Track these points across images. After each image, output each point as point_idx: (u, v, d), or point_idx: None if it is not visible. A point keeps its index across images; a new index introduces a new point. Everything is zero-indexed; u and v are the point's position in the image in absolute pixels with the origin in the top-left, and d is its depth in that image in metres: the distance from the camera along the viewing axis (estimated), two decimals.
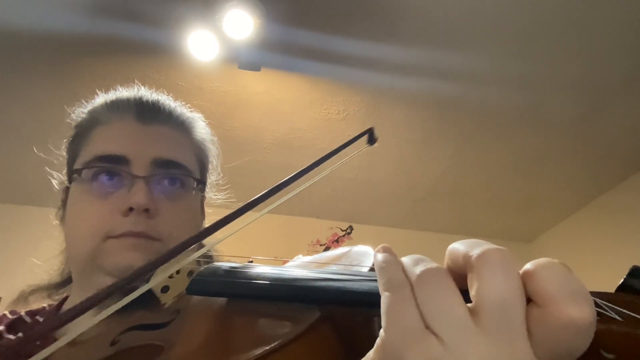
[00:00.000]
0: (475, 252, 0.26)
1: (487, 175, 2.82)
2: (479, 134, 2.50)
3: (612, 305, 0.27)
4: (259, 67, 2.09)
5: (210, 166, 0.71)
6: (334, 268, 0.43)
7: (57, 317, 0.29)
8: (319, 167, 0.46)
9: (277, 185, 0.40)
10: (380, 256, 0.30)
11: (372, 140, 0.51)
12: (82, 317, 0.29)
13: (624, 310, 0.26)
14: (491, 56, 2.04)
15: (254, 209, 0.39)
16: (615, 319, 0.26)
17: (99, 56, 2.07)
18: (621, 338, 0.26)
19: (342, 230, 3.30)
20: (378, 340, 0.27)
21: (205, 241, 0.50)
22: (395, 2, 1.82)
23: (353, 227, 3.32)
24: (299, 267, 0.45)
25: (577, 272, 0.31)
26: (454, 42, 1.98)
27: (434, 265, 0.28)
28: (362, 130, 0.50)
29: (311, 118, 2.43)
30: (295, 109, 2.37)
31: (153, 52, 2.04)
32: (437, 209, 3.16)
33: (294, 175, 0.42)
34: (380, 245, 0.31)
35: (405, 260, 0.29)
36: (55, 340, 0.28)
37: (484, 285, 0.25)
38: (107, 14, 1.86)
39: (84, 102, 0.69)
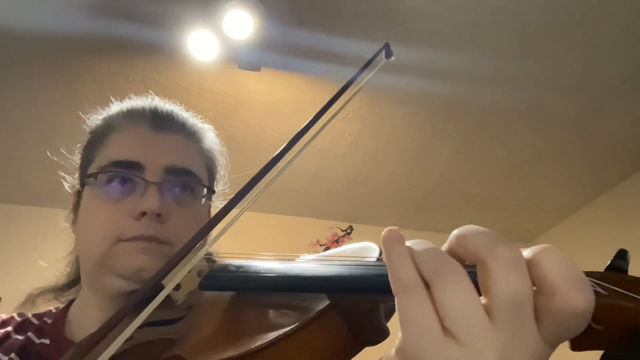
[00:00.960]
0: (489, 250, 0.27)
1: (487, 175, 2.82)
2: (478, 134, 2.50)
3: (600, 282, 0.29)
4: (259, 67, 2.09)
5: (218, 175, 0.74)
6: (340, 260, 0.44)
7: (99, 332, 0.32)
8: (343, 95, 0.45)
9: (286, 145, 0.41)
10: (389, 249, 0.29)
11: (389, 54, 0.51)
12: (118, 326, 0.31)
13: (610, 286, 0.29)
14: (491, 56, 2.04)
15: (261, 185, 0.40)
16: (602, 293, 0.28)
17: (99, 56, 2.07)
18: (608, 310, 0.27)
19: (342, 230, 3.30)
20: (397, 343, 0.27)
21: (209, 239, 0.51)
22: (395, 2, 1.82)
23: (353, 227, 3.32)
24: (305, 261, 0.46)
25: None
26: (455, 42, 1.98)
27: (451, 263, 0.27)
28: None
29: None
30: (295, 109, 2.37)
31: (153, 52, 2.04)
32: (437, 209, 3.16)
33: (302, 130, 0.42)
34: (387, 230, 0.29)
35: (418, 252, 0.28)
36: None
37: (499, 285, 0.26)
38: (107, 14, 1.86)
39: (99, 108, 0.71)
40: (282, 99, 2.32)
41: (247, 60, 2.05)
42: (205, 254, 0.63)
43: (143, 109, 0.67)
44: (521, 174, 2.80)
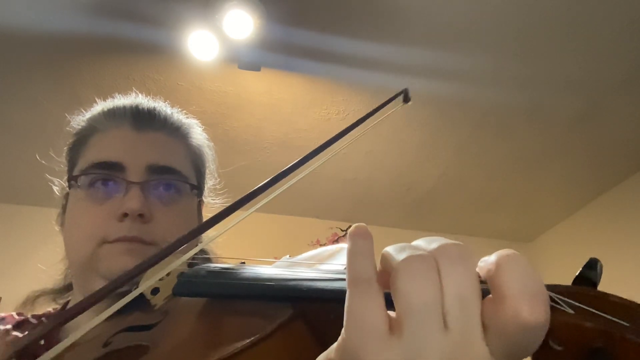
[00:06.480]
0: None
1: (487, 175, 2.82)
2: (479, 134, 2.50)
3: (564, 298, 0.27)
4: (259, 67, 2.09)
5: (207, 171, 0.72)
6: (311, 267, 0.43)
7: (54, 319, 0.29)
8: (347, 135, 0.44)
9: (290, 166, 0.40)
10: (351, 244, 0.27)
11: (407, 99, 0.49)
12: (80, 319, 0.29)
13: (575, 303, 0.27)
14: (491, 56, 2.04)
15: (259, 200, 0.39)
16: (565, 311, 0.26)
17: (99, 56, 2.06)
18: (569, 330, 0.26)
19: (342, 230, 3.30)
20: (339, 339, 0.26)
21: (195, 242, 0.50)
22: (395, 2, 1.82)
23: None
24: (279, 266, 0.45)
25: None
26: (454, 42, 1.98)
27: (418, 252, 0.26)
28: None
29: (311, 118, 2.43)
30: (295, 109, 2.37)
31: (153, 52, 2.04)
32: (437, 209, 3.16)
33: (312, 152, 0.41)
34: (355, 226, 0.28)
35: (390, 249, 0.27)
36: (58, 342, 0.28)
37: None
38: (107, 14, 1.86)
39: (82, 110, 0.70)
40: (282, 99, 2.32)
41: (247, 60, 2.05)
42: (204, 255, 0.62)
43: (124, 107, 0.66)
44: (521, 173, 2.80)
